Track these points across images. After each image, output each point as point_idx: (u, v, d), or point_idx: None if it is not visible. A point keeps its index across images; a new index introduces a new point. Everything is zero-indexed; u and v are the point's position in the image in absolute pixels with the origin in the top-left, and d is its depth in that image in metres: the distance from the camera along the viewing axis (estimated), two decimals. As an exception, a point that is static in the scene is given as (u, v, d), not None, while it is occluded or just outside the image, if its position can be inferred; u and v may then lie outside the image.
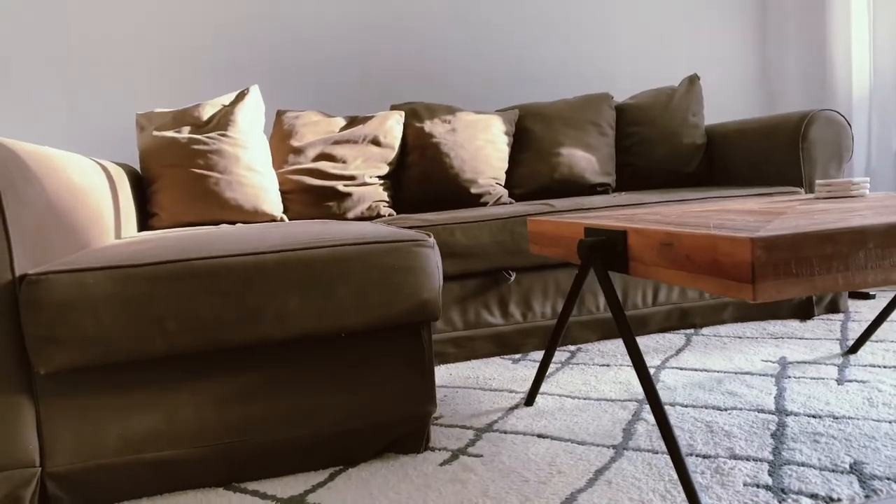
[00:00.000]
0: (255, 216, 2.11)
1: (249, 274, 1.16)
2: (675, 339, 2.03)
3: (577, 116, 2.50)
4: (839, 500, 1.03)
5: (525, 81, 2.92)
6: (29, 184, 1.16)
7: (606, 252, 1.15)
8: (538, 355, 1.96)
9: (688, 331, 2.11)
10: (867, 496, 1.04)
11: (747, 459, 1.19)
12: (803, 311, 2.19)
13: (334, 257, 1.20)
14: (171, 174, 2.07)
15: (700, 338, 2.02)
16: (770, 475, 1.12)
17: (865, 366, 1.65)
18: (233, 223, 2.09)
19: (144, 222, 2.11)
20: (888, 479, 1.08)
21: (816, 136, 2.16)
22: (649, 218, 1.26)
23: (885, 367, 1.63)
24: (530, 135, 2.48)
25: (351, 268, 1.21)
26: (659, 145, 2.52)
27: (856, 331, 1.98)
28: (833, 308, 2.22)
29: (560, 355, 1.94)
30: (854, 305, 2.33)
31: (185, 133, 2.13)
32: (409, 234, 1.28)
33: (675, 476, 1.14)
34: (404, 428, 1.31)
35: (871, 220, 0.90)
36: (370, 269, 1.21)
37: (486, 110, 2.86)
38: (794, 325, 2.09)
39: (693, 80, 2.58)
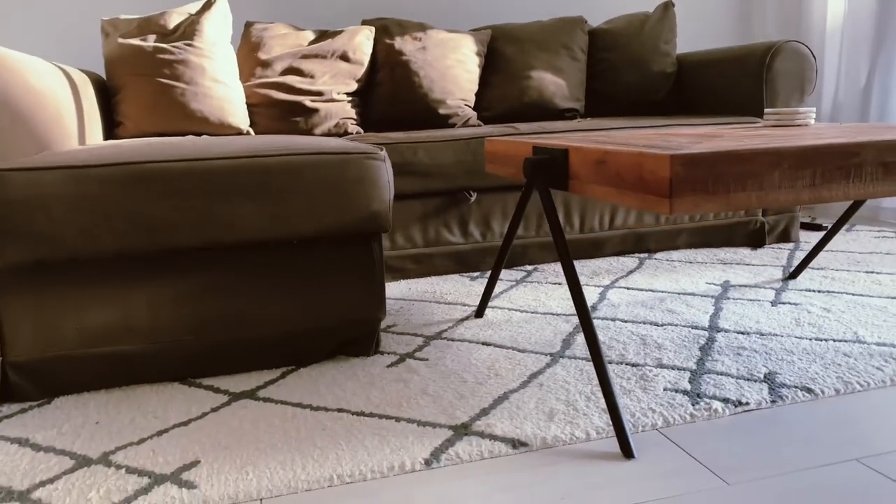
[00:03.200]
0: (221, 129, 2.12)
1: (201, 178, 1.19)
2: (629, 261, 2.10)
3: (549, 39, 2.49)
4: (747, 403, 1.12)
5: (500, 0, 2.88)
6: (-18, 83, 1.17)
7: (549, 170, 1.19)
8: (496, 273, 2.03)
9: (642, 255, 2.18)
10: (773, 401, 1.13)
11: (672, 368, 1.27)
12: (755, 239, 2.27)
13: (286, 165, 1.24)
14: (137, 83, 2.06)
15: (653, 261, 2.09)
16: (690, 382, 1.21)
17: (801, 290, 1.73)
18: (199, 135, 2.10)
19: (111, 132, 2.11)
20: (795, 387, 1.17)
21: (781, 68, 2.19)
22: (595, 138, 1.30)
23: (819, 291, 1.71)
24: (502, 57, 2.47)
25: (302, 176, 1.24)
26: (629, 72, 2.53)
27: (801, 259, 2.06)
28: (784, 237, 2.30)
29: (516, 274, 2.01)
30: (805, 236, 2.41)
31: (150, 42, 2.11)
32: (362, 146, 1.32)
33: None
34: (355, 332, 1.38)
35: (788, 143, 0.95)
36: (321, 179, 1.25)
37: (460, 29, 2.84)
38: (744, 253, 2.17)
39: (667, 7, 2.57)
